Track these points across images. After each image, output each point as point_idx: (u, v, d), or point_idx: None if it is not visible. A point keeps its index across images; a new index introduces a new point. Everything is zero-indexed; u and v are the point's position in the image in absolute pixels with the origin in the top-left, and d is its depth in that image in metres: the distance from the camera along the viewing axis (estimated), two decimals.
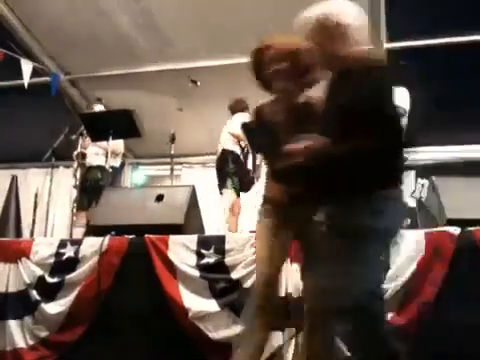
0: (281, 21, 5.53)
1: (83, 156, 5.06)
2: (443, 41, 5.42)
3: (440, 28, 5.25)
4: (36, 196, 5.69)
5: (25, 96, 5.99)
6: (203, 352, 2.79)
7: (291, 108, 2.24)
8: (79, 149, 5.01)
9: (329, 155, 1.69)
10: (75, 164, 5.07)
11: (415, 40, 5.51)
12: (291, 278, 2.72)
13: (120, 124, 4.13)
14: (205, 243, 2.95)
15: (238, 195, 4.89)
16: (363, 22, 1.89)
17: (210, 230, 4.73)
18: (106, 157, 4.50)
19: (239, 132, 4.84)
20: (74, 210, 4.75)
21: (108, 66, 6.33)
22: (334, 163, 1.68)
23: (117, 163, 5.38)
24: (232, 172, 4.80)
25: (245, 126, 2.78)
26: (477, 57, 5.31)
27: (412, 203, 4.51)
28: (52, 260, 3.18)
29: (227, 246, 2.90)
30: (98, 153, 5.16)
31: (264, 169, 4.97)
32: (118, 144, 5.21)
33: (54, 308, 3.07)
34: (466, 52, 5.33)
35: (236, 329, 2.76)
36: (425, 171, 4.40)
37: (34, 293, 3.14)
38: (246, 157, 4.92)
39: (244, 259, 2.83)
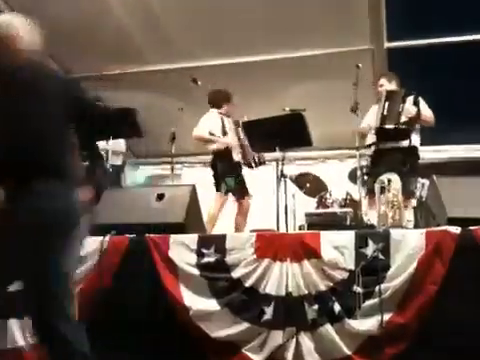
0: (281, 21, 5.58)
1: None
2: (443, 40, 5.44)
3: (440, 28, 5.26)
4: None
5: None
6: (204, 351, 2.80)
7: None
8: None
9: None
10: None
11: (415, 39, 5.52)
12: (291, 277, 2.72)
13: (121, 123, 4.09)
14: (206, 242, 2.94)
15: (233, 194, 4.88)
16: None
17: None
18: (107, 156, 4.49)
19: (198, 133, 4.82)
20: None
21: (109, 65, 6.33)
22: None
23: (119, 161, 5.38)
24: (222, 174, 4.82)
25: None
26: (477, 56, 5.32)
27: (413, 202, 4.51)
28: None
29: (228, 245, 2.89)
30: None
31: None
32: (119, 143, 5.20)
33: None
34: (466, 52, 5.34)
35: (237, 328, 2.76)
36: (426, 170, 4.39)
37: None
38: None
39: (245, 258, 2.83)
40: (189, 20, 5.60)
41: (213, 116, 4.97)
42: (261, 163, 4.95)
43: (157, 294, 2.89)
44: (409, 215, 3.98)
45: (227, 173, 4.81)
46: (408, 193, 4.17)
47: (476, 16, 5.07)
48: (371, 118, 4.52)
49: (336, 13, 5.31)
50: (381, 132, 4.27)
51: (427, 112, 4.33)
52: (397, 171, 3.73)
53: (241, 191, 4.89)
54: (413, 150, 4.38)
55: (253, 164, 4.90)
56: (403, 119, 4.21)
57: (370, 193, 4.28)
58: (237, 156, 4.88)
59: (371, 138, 4.44)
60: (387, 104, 4.31)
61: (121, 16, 5.61)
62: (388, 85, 4.54)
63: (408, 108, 4.20)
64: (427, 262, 2.59)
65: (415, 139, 4.40)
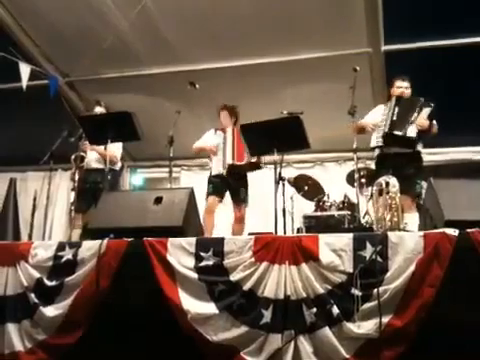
0: (278, 24, 5.60)
1: (81, 159, 5.06)
2: (440, 43, 5.45)
3: (437, 30, 5.28)
4: (34, 199, 5.70)
5: (24, 99, 5.99)
6: (202, 354, 2.79)
7: None
8: (78, 152, 5.01)
9: None
10: (73, 167, 5.07)
11: (413, 42, 5.53)
12: (290, 280, 2.72)
13: (119, 127, 4.09)
14: (204, 245, 2.94)
15: (216, 196, 4.99)
16: None
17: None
18: (105, 160, 4.49)
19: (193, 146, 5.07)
20: (72, 213, 4.74)
21: (107, 69, 6.34)
22: None
23: (117, 167, 5.38)
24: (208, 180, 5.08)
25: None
26: (474, 59, 5.33)
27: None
28: (50, 263, 3.17)
29: (226, 248, 2.89)
30: (98, 160, 5.16)
31: None
32: (116, 150, 5.19)
33: (52, 311, 3.06)
34: (463, 54, 5.35)
35: (235, 332, 2.75)
36: (424, 172, 4.40)
37: (32, 296, 3.13)
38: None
39: (243, 261, 2.82)
40: (186, 23, 5.61)
41: (210, 133, 5.22)
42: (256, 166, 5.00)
43: (155, 297, 2.88)
44: (414, 217, 3.98)
45: (210, 181, 5.04)
46: (413, 195, 4.18)
47: (473, 19, 5.08)
48: (376, 117, 4.50)
49: (333, 16, 5.32)
50: (389, 138, 4.25)
51: (435, 125, 4.33)
52: (401, 174, 3.73)
53: (235, 200, 5.05)
54: (416, 154, 4.38)
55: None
56: (413, 129, 4.17)
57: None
58: (219, 167, 4.97)
59: (375, 138, 4.42)
60: (397, 109, 4.27)
61: (119, 20, 5.61)
62: (410, 89, 4.49)
63: (421, 120, 4.17)
64: (425, 264, 2.59)
65: (419, 144, 4.39)
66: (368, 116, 4.61)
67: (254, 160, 4.86)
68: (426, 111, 4.18)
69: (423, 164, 4.46)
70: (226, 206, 5.18)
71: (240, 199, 5.02)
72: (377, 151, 4.49)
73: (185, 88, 5.00)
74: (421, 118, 4.17)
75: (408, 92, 4.47)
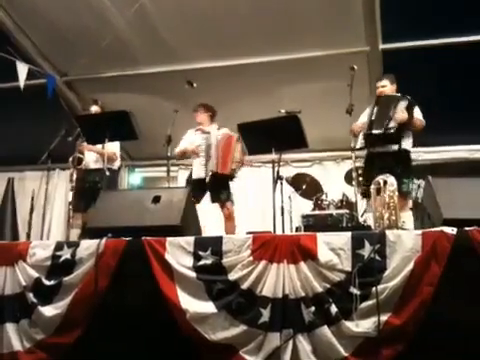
0: (276, 23, 5.59)
1: (79, 161, 5.06)
2: (438, 42, 5.45)
3: (435, 29, 5.28)
4: (32, 198, 5.69)
5: (21, 98, 5.98)
6: (201, 354, 2.79)
7: None
8: (75, 154, 5.00)
9: None
10: (71, 169, 5.07)
11: (410, 41, 5.53)
12: (288, 279, 2.72)
13: (117, 126, 4.09)
14: (202, 244, 2.94)
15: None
16: None
17: (207, 231, 4.74)
18: (103, 160, 4.49)
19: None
20: (70, 212, 4.74)
21: (104, 68, 6.33)
22: None
23: (116, 166, 5.38)
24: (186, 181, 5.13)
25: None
26: (472, 58, 5.34)
27: (410, 203, 4.51)
28: (49, 262, 3.17)
29: (224, 247, 2.89)
30: (98, 160, 5.16)
31: None
32: (114, 149, 5.18)
33: (51, 311, 3.05)
34: (461, 53, 5.36)
35: (234, 331, 2.75)
36: (421, 171, 4.41)
37: (31, 296, 3.13)
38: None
39: (241, 260, 2.82)
40: (184, 22, 5.60)
41: (189, 133, 5.17)
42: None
43: (154, 297, 2.88)
44: (406, 216, 3.98)
45: (188, 182, 5.06)
46: (402, 194, 4.18)
47: (472, 18, 5.09)
48: (364, 119, 4.53)
49: (331, 15, 5.32)
50: (368, 137, 4.28)
51: (418, 118, 4.33)
52: (389, 173, 3.74)
53: (217, 202, 5.00)
54: (403, 153, 4.38)
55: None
56: (392, 124, 4.19)
57: (365, 197, 4.30)
58: (200, 172, 4.92)
59: (359, 139, 4.45)
60: (376, 109, 4.32)
61: (117, 19, 5.61)
62: (390, 86, 4.51)
63: (399, 113, 4.20)
64: (423, 263, 2.60)
65: (407, 143, 4.40)
66: (360, 118, 4.65)
67: (233, 167, 4.84)
68: (402, 104, 4.21)
69: (411, 163, 4.47)
70: (215, 205, 5.13)
71: (222, 200, 4.94)
72: (365, 152, 4.52)
73: (183, 87, 5.00)
74: (399, 111, 4.19)
75: (387, 90, 4.49)
